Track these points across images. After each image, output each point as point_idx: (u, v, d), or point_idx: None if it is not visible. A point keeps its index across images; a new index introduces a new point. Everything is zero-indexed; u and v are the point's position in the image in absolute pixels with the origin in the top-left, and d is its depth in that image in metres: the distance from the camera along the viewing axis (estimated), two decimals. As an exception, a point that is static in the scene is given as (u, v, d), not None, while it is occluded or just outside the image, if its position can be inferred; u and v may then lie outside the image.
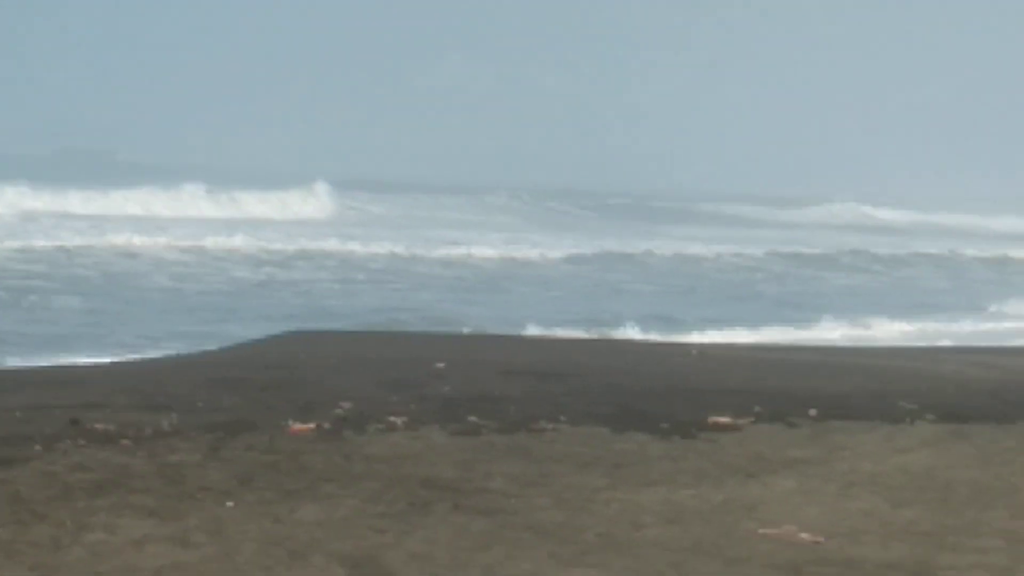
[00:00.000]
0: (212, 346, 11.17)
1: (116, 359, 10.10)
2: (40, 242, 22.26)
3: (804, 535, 3.63)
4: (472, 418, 6.25)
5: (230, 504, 3.76)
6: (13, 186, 34.28)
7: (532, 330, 13.83)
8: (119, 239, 23.68)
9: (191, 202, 37.49)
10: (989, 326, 17.98)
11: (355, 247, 25.18)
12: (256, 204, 39.55)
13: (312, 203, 40.91)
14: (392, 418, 6.06)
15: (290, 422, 5.75)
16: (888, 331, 16.31)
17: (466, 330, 13.96)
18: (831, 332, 15.76)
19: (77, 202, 35.33)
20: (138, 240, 23.80)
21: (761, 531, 3.71)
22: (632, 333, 14.16)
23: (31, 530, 3.19)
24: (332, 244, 25.36)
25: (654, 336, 13.92)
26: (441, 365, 8.82)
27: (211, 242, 24.23)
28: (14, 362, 9.80)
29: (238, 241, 24.59)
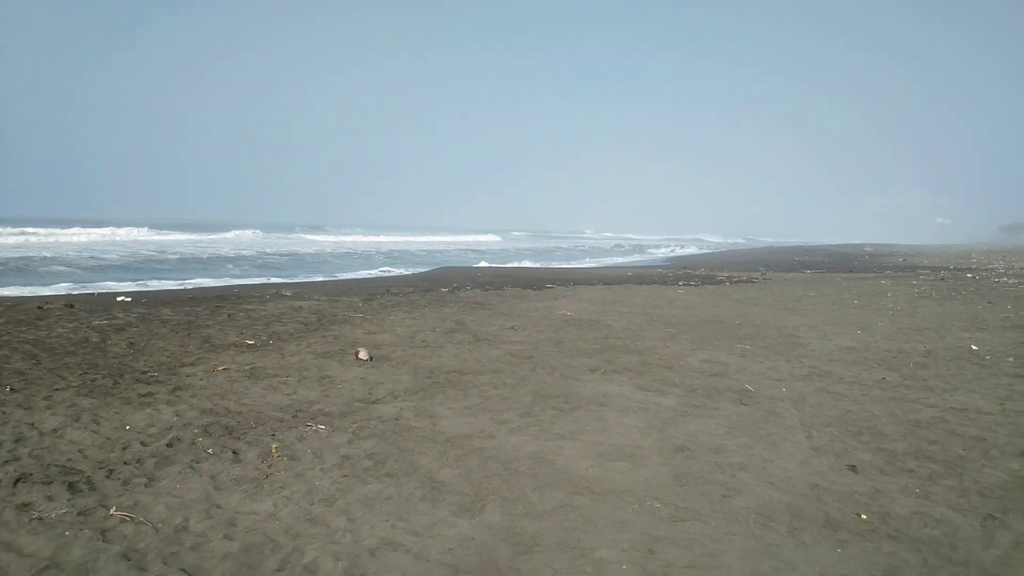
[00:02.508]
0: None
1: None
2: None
3: (568, 312, 14.60)
4: (488, 287, 17.44)
5: (427, 308, 14.54)
6: None
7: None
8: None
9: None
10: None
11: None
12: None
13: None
14: (468, 287, 17.28)
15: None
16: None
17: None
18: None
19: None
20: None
21: (558, 312, 14.73)
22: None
23: (378, 316, 13.83)
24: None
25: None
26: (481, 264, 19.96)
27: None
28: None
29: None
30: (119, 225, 57.46)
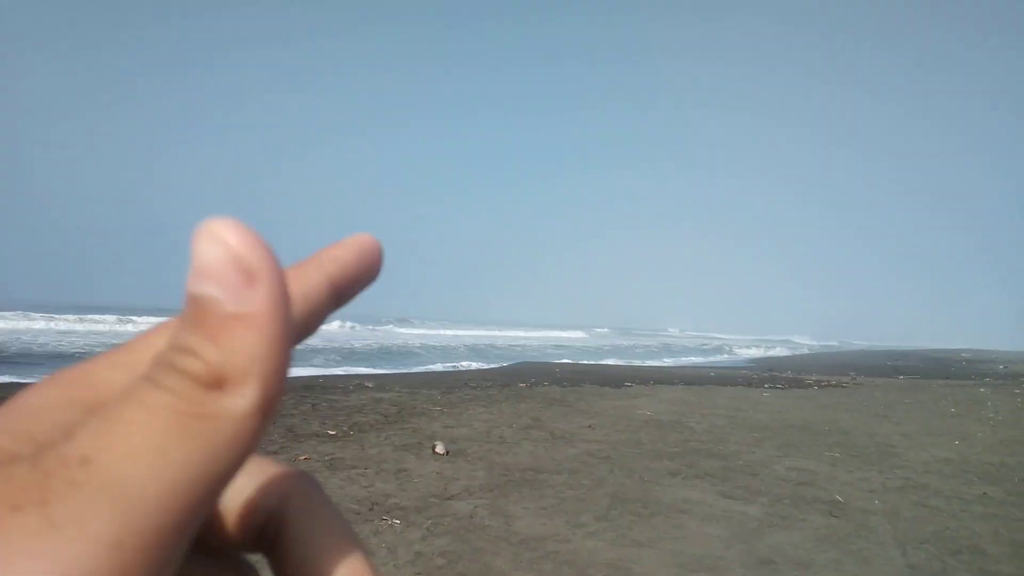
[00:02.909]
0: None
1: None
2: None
3: (647, 412, 14.37)
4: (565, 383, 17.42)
5: (504, 404, 14.59)
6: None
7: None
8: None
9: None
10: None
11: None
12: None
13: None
14: (546, 383, 17.33)
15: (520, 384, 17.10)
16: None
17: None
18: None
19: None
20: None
21: (637, 411, 14.50)
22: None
23: (455, 409, 13.92)
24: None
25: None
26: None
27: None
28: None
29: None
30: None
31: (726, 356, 53.11)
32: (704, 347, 67.59)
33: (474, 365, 28.87)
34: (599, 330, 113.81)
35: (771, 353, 60.67)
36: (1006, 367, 43.38)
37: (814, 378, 25.79)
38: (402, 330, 65.31)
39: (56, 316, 43.72)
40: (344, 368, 23.96)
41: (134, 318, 47.43)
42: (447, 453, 8.97)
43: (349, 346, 36.14)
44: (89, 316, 46.65)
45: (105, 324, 42.90)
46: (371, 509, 6.51)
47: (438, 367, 26.87)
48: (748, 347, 69.73)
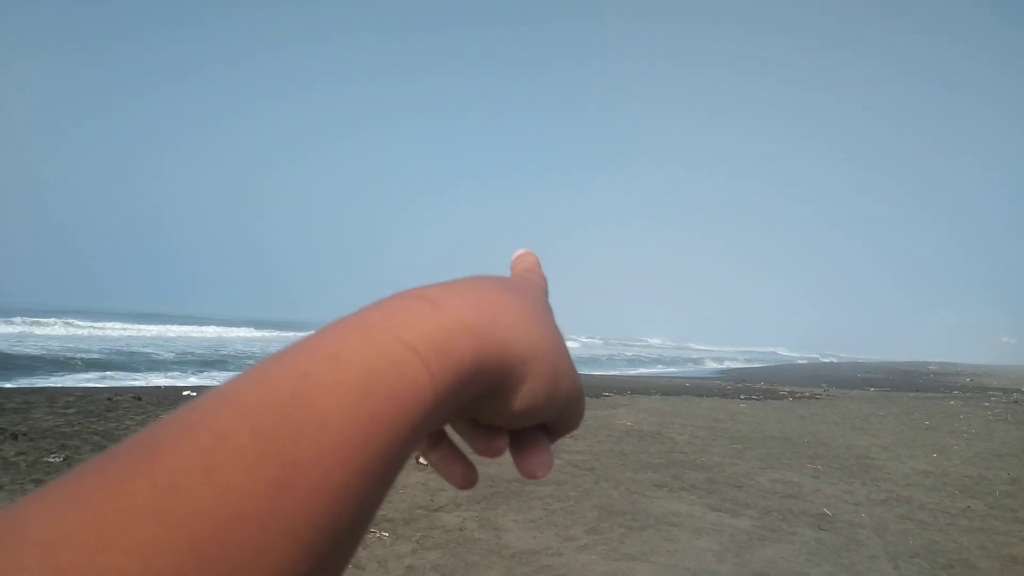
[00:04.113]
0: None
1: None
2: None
3: (628, 422, 14.33)
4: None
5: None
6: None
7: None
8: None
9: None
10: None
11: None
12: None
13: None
14: None
15: None
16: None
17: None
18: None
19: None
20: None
21: (617, 422, 14.43)
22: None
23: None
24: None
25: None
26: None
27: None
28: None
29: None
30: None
31: (699, 366, 53.45)
32: (679, 358, 67.95)
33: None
34: (584, 340, 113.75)
35: (743, 364, 61.17)
36: (972, 380, 44.12)
37: (788, 389, 25.97)
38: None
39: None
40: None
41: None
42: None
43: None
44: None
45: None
46: (358, 521, 6.36)
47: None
48: (723, 359, 70.21)
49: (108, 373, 20.27)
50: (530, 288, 0.54)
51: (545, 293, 0.58)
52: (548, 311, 0.53)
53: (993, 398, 25.87)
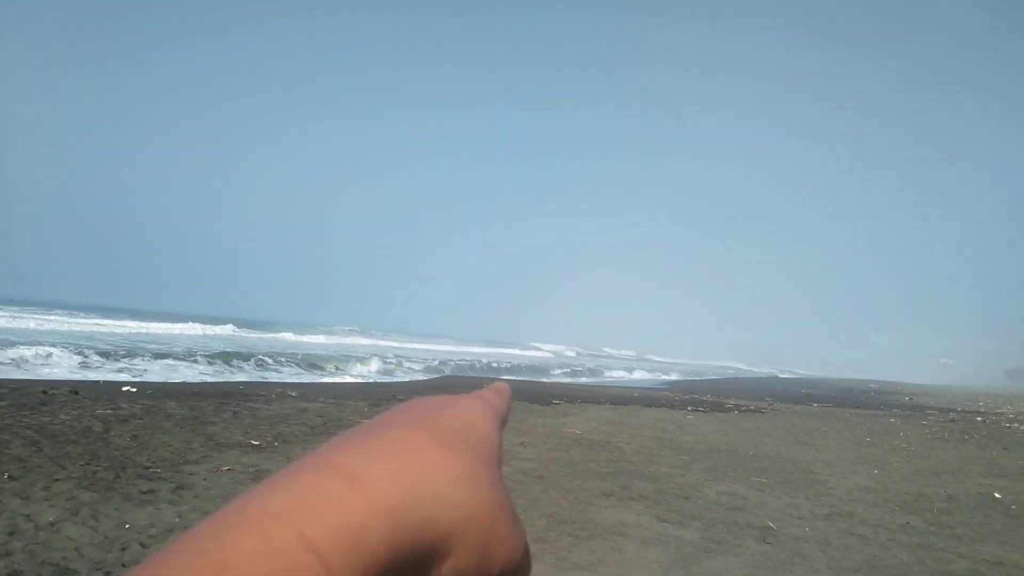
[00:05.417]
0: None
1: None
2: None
3: (577, 430, 14.33)
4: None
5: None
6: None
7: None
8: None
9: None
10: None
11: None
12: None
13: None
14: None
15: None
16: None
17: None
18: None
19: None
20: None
21: (567, 430, 14.43)
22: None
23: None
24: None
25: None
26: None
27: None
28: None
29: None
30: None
31: (647, 376, 53.96)
32: (632, 366, 68.39)
33: (401, 378, 28.41)
34: (554, 347, 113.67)
35: (690, 377, 61.92)
36: (911, 398, 45.31)
37: (733, 402, 26.32)
38: (311, 338, 63.69)
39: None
40: (263, 375, 23.29)
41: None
42: (378, 467, 8.68)
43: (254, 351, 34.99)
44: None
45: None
46: (301, 525, 6.20)
47: (366, 379, 26.34)
48: (669, 371, 71.00)
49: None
50: (471, 435, 0.47)
51: (496, 432, 0.50)
52: (491, 463, 0.46)
53: (931, 416, 26.57)
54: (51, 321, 42.01)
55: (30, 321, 39.91)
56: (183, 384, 17.43)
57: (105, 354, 23.54)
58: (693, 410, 20.54)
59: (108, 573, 4.79)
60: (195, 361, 24.90)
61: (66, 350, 22.42)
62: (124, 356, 23.99)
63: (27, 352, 20.81)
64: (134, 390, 14.06)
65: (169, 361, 24.10)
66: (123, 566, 4.93)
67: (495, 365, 45.34)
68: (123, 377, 18.37)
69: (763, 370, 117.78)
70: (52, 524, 5.62)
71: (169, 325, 48.51)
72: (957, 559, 6.89)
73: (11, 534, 5.33)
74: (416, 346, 65.12)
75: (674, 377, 57.84)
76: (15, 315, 42.53)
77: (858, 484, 10.51)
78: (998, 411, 34.17)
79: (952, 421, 24.42)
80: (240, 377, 22.42)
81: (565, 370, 49.19)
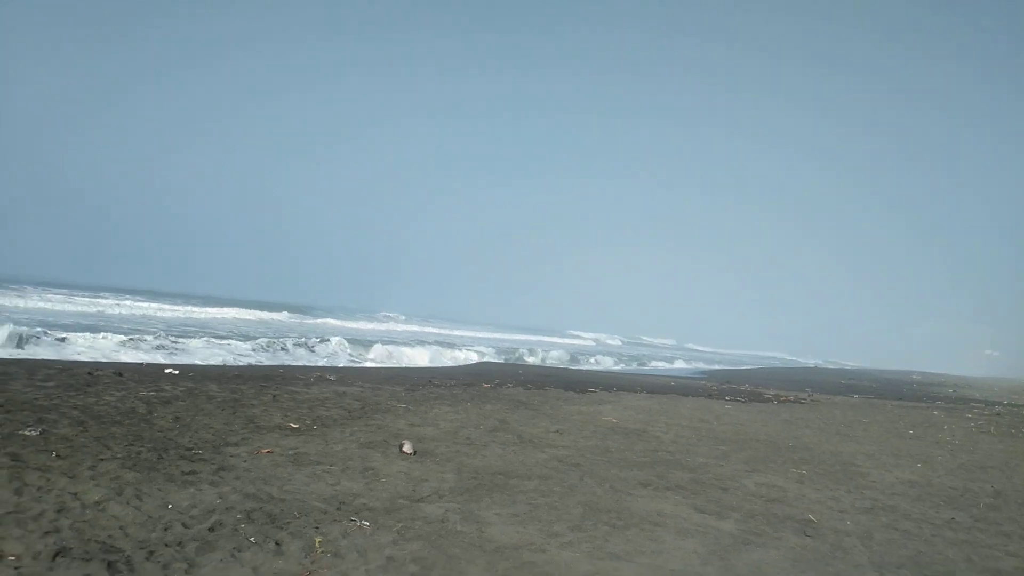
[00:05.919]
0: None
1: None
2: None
3: (613, 419, 14.27)
4: (528, 384, 17.23)
5: (470, 404, 14.34)
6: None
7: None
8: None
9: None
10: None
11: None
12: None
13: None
14: (510, 384, 17.10)
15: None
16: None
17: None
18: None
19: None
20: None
21: (603, 418, 14.37)
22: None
23: (420, 408, 13.66)
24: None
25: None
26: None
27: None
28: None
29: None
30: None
31: (685, 365, 53.56)
32: (669, 355, 67.87)
33: (439, 364, 28.54)
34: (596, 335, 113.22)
35: (727, 366, 61.25)
36: (955, 391, 44.31)
37: (772, 392, 25.98)
38: (355, 324, 64.07)
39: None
40: (303, 360, 23.59)
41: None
42: (414, 453, 8.73)
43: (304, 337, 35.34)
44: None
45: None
46: (339, 508, 6.25)
47: (400, 364, 26.53)
48: (709, 361, 70.30)
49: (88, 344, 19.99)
50: None
51: None
52: None
53: (976, 409, 25.95)
54: (122, 306, 42.80)
55: (94, 306, 40.67)
56: (224, 367, 17.69)
57: (153, 336, 23.99)
58: (731, 400, 20.33)
59: (152, 552, 4.87)
60: (239, 343, 25.29)
61: (116, 335, 22.88)
62: (172, 336, 24.43)
63: (78, 337, 21.28)
64: (176, 372, 14.29)
65: (210, 340, 24.50)
66: (166, 546, 5.01)
67: (531, 352, 45.37)
68: (176, 360, 18.71)
69: (808, 361, 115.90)
70: (98, 503, 5.73)
71: (223, 310, 49.30)
72: (1005, 557, 6.72)
73: (59, 511, 5.44)
74: (458, 333, 65.36)
75: (714, 367, 57.30)
76: (92, 299, 43.35)
77: (901, 478, 10.30)
78: (1047, 405, 33.27)
79: (998, 414, 23.82)
80: (287, 360, 22.74)
81: (602, 358, 48.98)
